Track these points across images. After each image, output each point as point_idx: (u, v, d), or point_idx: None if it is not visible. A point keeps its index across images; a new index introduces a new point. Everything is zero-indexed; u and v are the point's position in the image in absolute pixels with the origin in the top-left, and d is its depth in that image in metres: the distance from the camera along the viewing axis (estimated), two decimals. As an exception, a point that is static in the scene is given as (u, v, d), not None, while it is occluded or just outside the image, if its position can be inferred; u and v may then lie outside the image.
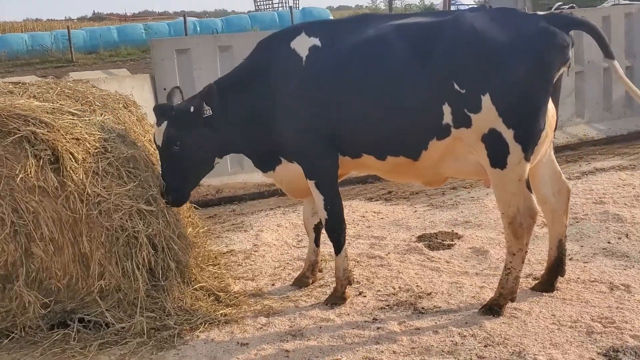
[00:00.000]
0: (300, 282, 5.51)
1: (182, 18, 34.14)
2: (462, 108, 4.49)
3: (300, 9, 44.67)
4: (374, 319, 4.79)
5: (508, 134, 4.45)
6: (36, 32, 34.79)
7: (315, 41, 4.86)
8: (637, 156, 9.41)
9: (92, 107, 5.06)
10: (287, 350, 4.37)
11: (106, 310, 4.63)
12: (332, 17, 42.30)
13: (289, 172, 5.11)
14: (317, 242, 5.55)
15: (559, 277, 5.05)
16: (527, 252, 4.69)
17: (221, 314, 4.91)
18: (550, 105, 4.63)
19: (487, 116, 4.45)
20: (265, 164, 5.20)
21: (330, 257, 5.89)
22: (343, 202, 5.12)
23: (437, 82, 4.51)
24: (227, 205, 8.37)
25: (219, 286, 5.28)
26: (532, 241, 6.11)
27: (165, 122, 4.84)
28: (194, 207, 6.13)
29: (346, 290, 5.11)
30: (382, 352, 4.29)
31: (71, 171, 4.45)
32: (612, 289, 4.98)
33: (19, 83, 5.20)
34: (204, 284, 5.14)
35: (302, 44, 4.89)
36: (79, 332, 4.60)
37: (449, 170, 4.85)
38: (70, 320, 4.67)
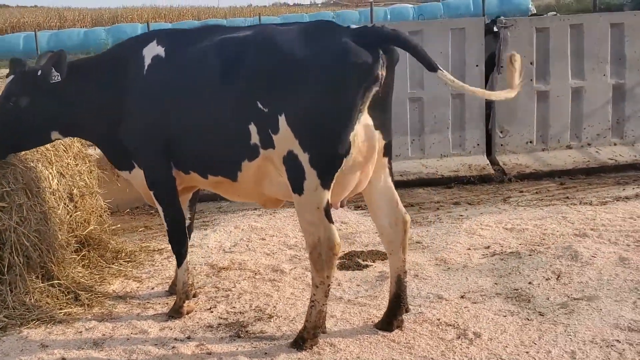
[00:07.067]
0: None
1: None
2: (266, 128, 4.19)
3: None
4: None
5: (304, 158, 4.09)
6: None
7: (160, 50, 4.74)
8: None
9: None
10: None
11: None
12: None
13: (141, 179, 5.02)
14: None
15: (399, 316, 4.50)
16: (330, 285, 4.25)
17: (64, 313, 5.01)
18: (369, 129, 4.17)
19: (285, 138, 4.12)
20: (119, 162, 5.06)
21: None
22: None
23: (242, 101, 4.25)
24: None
25: (85, 284, 5.40)
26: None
27: (12, 77, 4.89)
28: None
29: (185, 304, 4.96)
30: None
31: None
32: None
33: None
34: (62, 282, 5.26)
35: (149, 52, 4.77)
36: None
37: (268, 192, 4.54)
38: None
